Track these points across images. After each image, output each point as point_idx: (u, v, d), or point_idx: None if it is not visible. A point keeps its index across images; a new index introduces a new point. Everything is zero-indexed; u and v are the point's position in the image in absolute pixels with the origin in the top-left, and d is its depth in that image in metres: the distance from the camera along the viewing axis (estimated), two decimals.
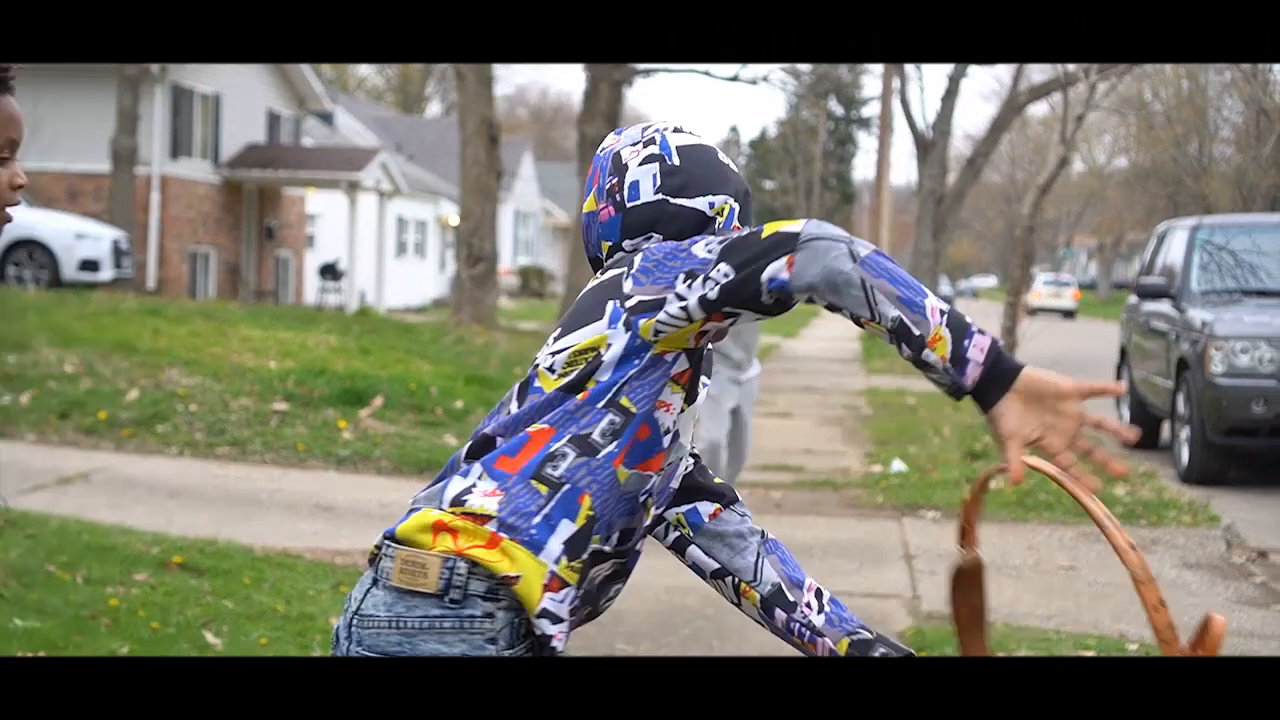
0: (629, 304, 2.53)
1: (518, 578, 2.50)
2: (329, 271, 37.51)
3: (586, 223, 2.81)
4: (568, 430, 2.55)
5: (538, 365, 2.62)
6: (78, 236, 24.80)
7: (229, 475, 10.54)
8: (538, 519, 2.52)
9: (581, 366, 2.56)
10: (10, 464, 10.19)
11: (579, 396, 2.56)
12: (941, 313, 2.34)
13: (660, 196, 2.71)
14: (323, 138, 44.27)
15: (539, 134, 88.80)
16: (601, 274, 2.65)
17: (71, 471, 10.11)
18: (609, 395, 2.56)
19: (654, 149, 2.75)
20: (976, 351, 2.34)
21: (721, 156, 2.77)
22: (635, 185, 2.72)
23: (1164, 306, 14.73)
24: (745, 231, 2.46)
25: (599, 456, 2.55)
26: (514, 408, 2.62)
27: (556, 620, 2.56)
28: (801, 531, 9.97)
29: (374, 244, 36.95)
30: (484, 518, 2.50)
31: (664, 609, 7.68)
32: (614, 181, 2.75)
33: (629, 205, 2.72)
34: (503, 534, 2.50)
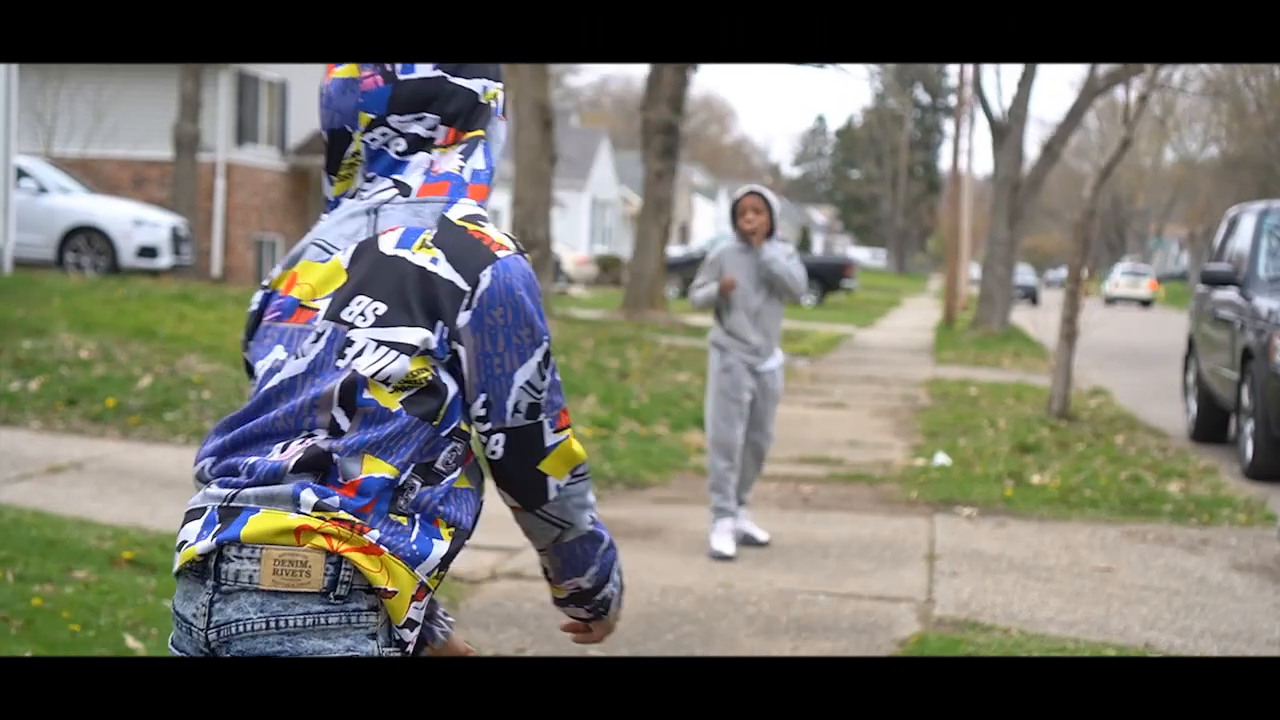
0: (452, 345, 2.50)
1: (394, 593, 2.43)
2: None
3: (339, 90, 2.60)
4: (413, 463, 2.47)
5: (369, 375, 2.44)
6: (136, 223, 24.59)
7: None
8: (412, 539, 2.47)
9: (421, 388, 2.47)
10: (5, 452, 9.83)
11: (433, 424, 2.49)
12: (576, 588, 2.77)
13: (439, 73, 2.58)
14: None
15: (625, 123, 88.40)
16: (404, 234, 2.51)
17: (65, 460, 9.74)
18: (455, 424, 2.52)
19: None
20: (576, 612, 2.85)
21: None
22: None
23: (1231, 294, 14.03)
24: (539, 425, 2.54)
25: (443, 483, 2.51)
26: (341, 418, 2.45)
27: (414, 626, 2.51)
28: (823, 529, 9.43)
29: None
30: (363, 527, 2.42)
31: (654, 612, 7.17)
32: None
33: (401, 77, 2.57)
34: (384, 546, 2.43)
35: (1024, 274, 62.51)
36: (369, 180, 2.60)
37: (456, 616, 6.89)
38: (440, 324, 2.46)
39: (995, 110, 31.39)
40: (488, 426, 2.52)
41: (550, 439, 2.55)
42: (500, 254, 2.50)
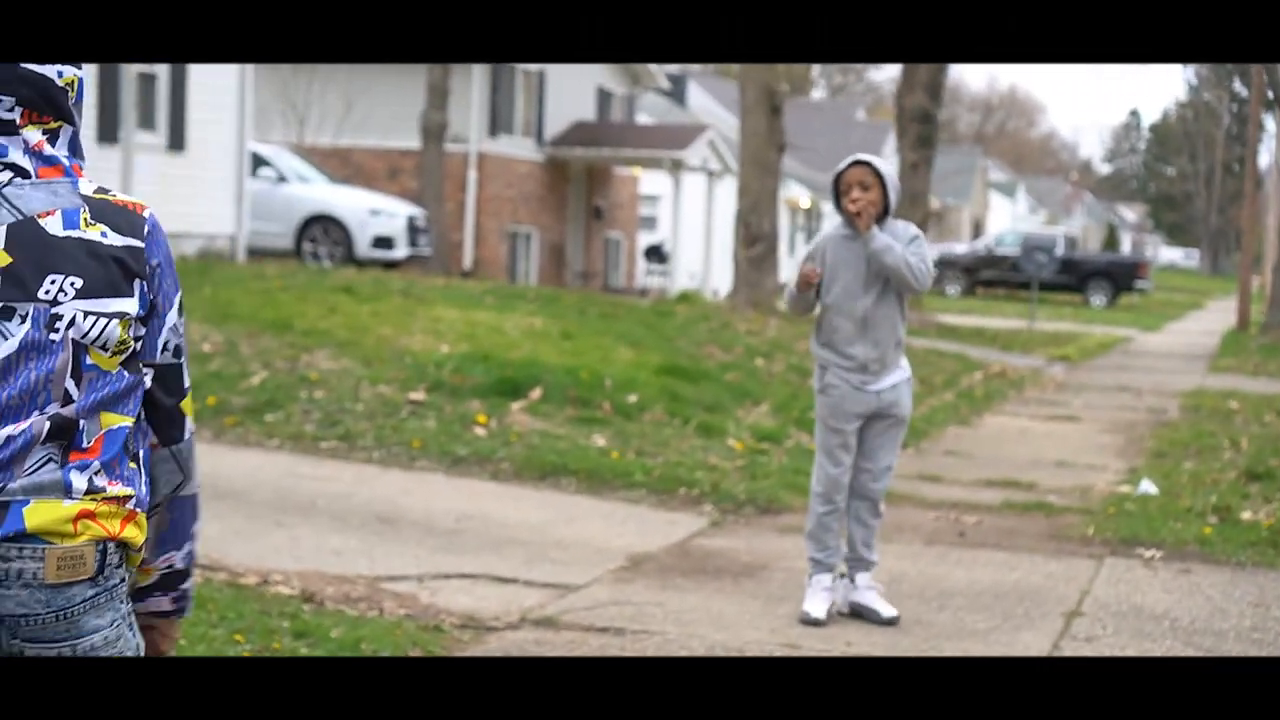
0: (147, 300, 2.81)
1: (144, 543, 2.81)
2: (654, 254, 36.30)
3: None
4: (135, 411, 2.79)
5: (81, 333, 2.71)
6: (372, 213, 24.15)
7: (308, 474, 9.13)
8: (142, 484, 2.80)
9: (131, 348, 2.78)
10: None
11: (139, 375, 2.80)
12: (170, 566, 2.94)
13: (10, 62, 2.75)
14: (664, 115, 43.10)
15: None
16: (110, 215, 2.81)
17: None
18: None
19: None
20: (159, 603, 2.96)
21: None
22: None
23: None
24: (181, 365, 2.88)
25: (140, 426, 2.83)
26: (72, 388, 2.70)
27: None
28: (961, 572, 7.96)
29: (702, 225, 35.51)
30: (125, 499, 2.73)
31: None
32: None
33: None
34: (137, 509, 2.76)
35: None
36: None
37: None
38: (139, 281, 2.77)
39: None
40: (145, 356, 2.80)
41: (186, 381, 2.88)
42: (144, 213, 2.83)
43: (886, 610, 6.95)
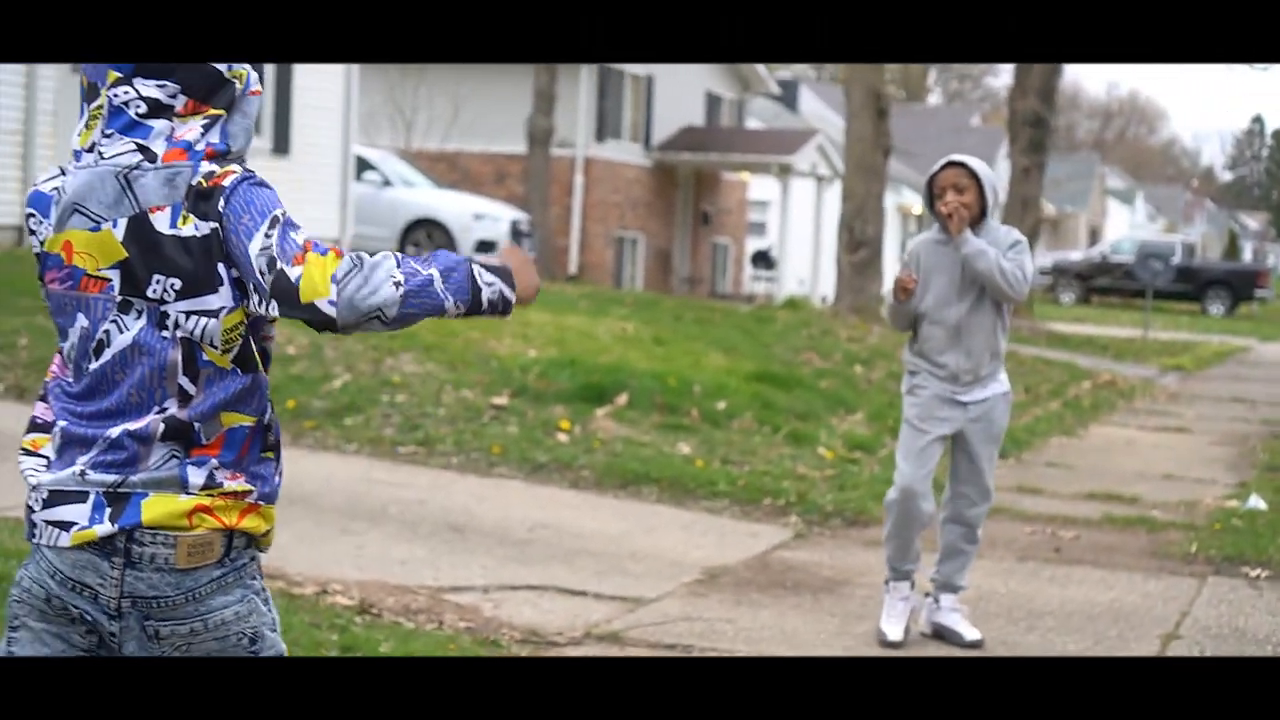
0: (233, 274, 2.76)
1: (270, 529, 2.90)
2: (761, 259, 35.95)
3: None
4: (259, 410, 2.85)
5: (188, 333, 2.76)
6: (476, 217, 24.05)
7: (383, 480, 8.92)
8: (277, 478, 2.91)
9: (241, 342, 2.80)
10: None
11: (258, 374, 2.85)
12: (449, 291, 2.69)
13: None
14: (775, 119, 42.72)
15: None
16: (177, 203, 2.76)
17: None
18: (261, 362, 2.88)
19: None
20: (489, 297, 2.74)
21: None
22: None
23: None
24: (288, 272, 2.68)
25: (272, 415, 2.90)
26: (188, 385, 2.78)
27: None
28: (1053, 590, 7.60)
29: (810, 231, 35.10)
30: (244, 493, 2.82)
31: None
32: None
33: None
34: (260, 502, 2.85)
35: None
36: (106, 136, 2.79)
37: None
38: (220, 265, 2.74)
39: None
40: (256, 299, 2.72)
41: (294, 274, 2.67)
42: (225, 182, 2.75)
43: (970, 633, 6.59)
